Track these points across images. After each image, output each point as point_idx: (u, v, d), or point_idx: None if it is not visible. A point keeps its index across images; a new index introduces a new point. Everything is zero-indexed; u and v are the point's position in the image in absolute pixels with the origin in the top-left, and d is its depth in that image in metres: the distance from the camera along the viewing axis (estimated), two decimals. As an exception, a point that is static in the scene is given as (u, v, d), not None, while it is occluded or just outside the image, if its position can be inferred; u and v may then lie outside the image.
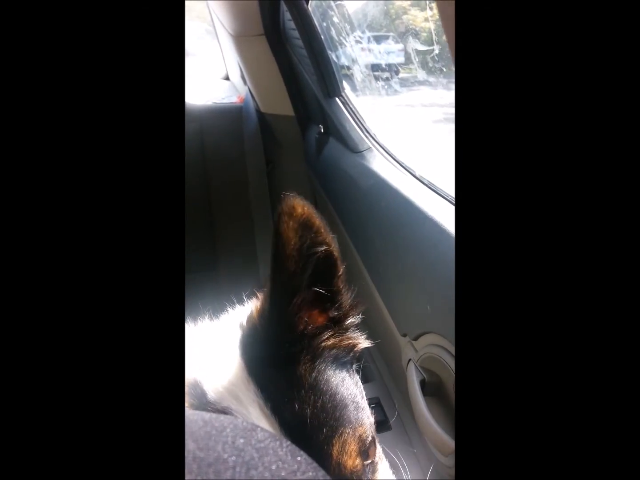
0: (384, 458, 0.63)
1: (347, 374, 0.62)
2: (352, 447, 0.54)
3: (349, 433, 0.54)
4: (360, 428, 0.56)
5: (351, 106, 1.48)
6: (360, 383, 0.66)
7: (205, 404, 0.54)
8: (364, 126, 1.43)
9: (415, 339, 1.01)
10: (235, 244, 1.76)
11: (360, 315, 0.75)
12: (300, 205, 0.54)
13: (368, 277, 1.23)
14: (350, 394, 0.59)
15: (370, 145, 1.38)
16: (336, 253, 0.62)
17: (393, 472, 0.85)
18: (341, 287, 0.65)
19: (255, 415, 0.53)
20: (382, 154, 1.34)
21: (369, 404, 1.28)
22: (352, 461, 0.53)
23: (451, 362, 0.86)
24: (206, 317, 0.72)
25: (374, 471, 0.58)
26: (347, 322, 0.67)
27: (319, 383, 0.56)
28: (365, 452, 0.56)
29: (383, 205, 1.19)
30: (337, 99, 1.51)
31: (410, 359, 1.01)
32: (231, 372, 0.57)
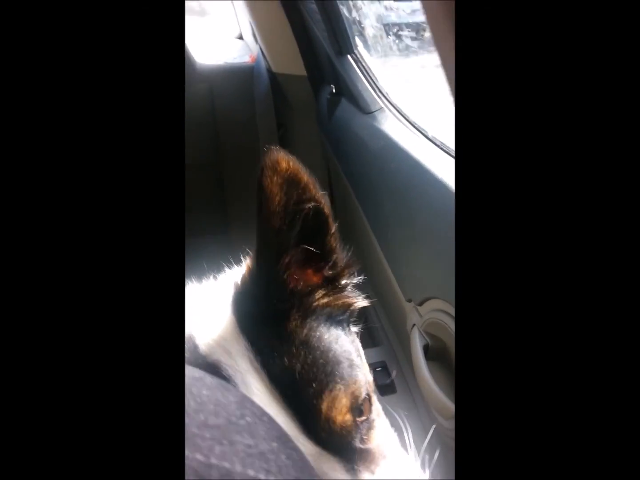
0: (382, 416, 0.63)
1: (342, 332, 0.61)
2: (343, 403, 0.53)
3: (340, 389, 0.54)
4: (353, 385, 0.55)
5: (364, 64, 1.42)
6: (357, 341, 0.65)
7: (197, 357, 0.55)
8: (376, 85, 1.37)
9: (420, 304, 1.00)
10: (245, 208, 1.76)
11: (357, 275, 0.73)
12: (285, 160, 0.52)
13: (376, 241, 1.21)
14: (344, 351, 0.58)
15: (382, 106, 1.33)
16: (327, 210, 0.60)
17: (395, 432, 0.86)
18: (334, 245, 0.63)
19: (244, 368, 0.53)
20: (394, 115, 1.29)
21: (375, 367, 1.29)
22: (342, 417, 0.53)
23: (454, 328, 0.85)
24: (211, 277, 0.73)
25: (369, 428, 0.58)
26: (342, 282, 0.65)
27: (310, 339, 0.56)
28: (358, 409, 0.55)
29: (393, 168, 1.16)
30: (349, 56, 1.44)
31: (414, 324, 1.00)
32: (223, 327, 0.57)
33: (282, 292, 0.58)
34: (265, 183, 0.52)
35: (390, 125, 1.26)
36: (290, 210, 0.55)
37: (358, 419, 0.55)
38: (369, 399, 0.58)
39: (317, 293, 0.62)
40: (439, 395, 0.85)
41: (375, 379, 1.22)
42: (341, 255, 0.65)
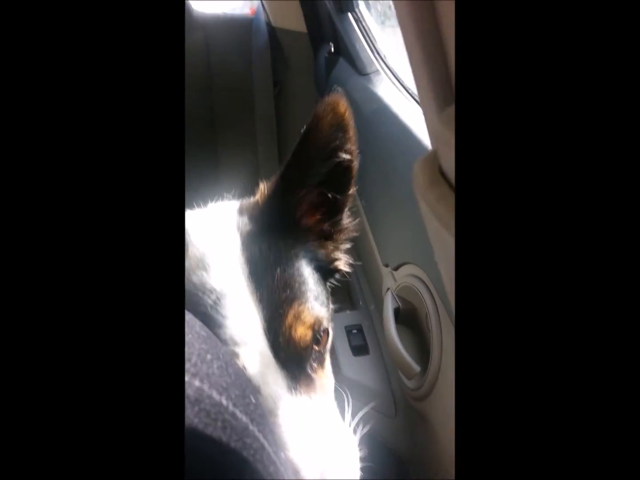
0: (329, 365, 0.67)
1: (319, 276, 0.67)
2: (308, 319, 0.59)
3: (308, 307, 0.60)
4: (319, 313, 0.62)
5: (364, 24, 1.38)
6: (329, 292, 0.71)
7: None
8: (374, 46, 1.34)
9: (396, 269, 1.01)
10: (237, 167, 1.74)
11: (350, 242, 0.77)
12: (345, 106, 0.58)
13: (360, 205, 1.21)
14: (317, 288, 0.64)
15: (379, 68, 1.30)
16: (354, 172, 0.65)
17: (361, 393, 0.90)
18: (346, 205, 0.69)
19: (233, 264, 0.59)
20: (389, 78, 1.26)
21: (351, 330, 1.32)
22: (304, 330, 0.58)
23: (425, 293, 0.87)
24: (214, 203, 0.80)
25: (320, 362, 0.64)
26: (337, 241, 0.70)
27: (294, 262, 0.63)
28: (317, 336, 0.61)
29: (383, 132, 1.14)
30: (349, 15, 1.40)
31: (389, 288, 1.02)
32: (225, 247, 0.62)
33: (286, 218, 0.64)
34: (320, 115, 0.57)
35: (385, 89, 1.24)
36: (328, 150, 0.59)
37: (315, 346, 0.61)
38: (327, 334, 0.64)
39: (313, 235, 0.67)
40: (404, 355, 0.88)
41: (349, 340, 1.25)
42: (346, 219, 0.70)
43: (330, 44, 1.52)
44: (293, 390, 0.57)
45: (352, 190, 0.71)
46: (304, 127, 0.59)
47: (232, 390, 0.35)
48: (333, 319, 0.69)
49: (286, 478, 0.38)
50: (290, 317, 0.58)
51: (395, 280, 1.01)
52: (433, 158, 0.31)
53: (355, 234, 0.78)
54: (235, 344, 0.55)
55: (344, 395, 0.72)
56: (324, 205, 0.69)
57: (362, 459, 0.63)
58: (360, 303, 1.32)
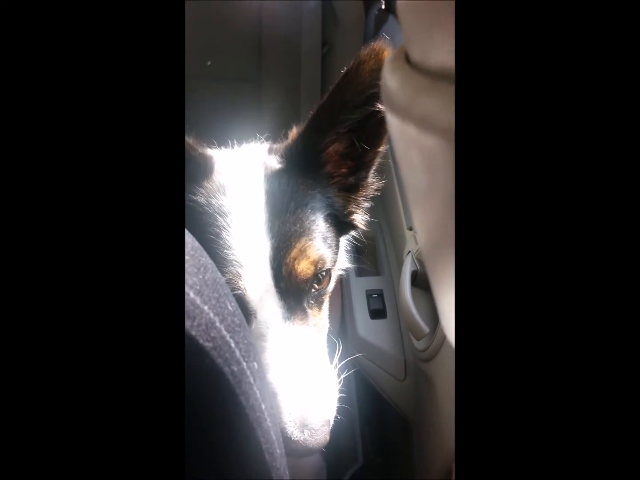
0: (327, 310, 0.67)
1: (332, 223, 0.68)
2: (312, 255, 0.61)
3: (313, 245, 0.61)
4: (324, 253, 0.63)
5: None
6: (338, 240, 0.72)
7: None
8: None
9: (418, 231, 0.98)
10: (279, 125, 1.75)
11: (370, 201, 0.76)
12: (389, 53, 0.55)
13: (391, 165, 1.18)
14: (325, 231, 0.65)
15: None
16: (387, 127, 0.64)
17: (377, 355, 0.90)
18: (374, 161, 0.68)
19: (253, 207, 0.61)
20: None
21: (372, 294, 1.31)
22: (306, 264, 0.60)
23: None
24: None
25: (317, 302, 0.65)
26: (357, 195, 0.70)
27: (309, 202, 0.64)
28: (319, 275, 0.63)
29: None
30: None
31: (410, 251, 1.00)
32: (248, 177, 0.65)
33: (311, 158, 0.64)
34: (362, 58, 0.56)
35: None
36: (364, 96, 0.59)
37: (315, 285, 0.63)
38: (329, 276, 0.65)
39: (334, 183, 0.68)
40: (414, 316, 0.86)
41: (368, 304, 1.24)
42: (371, 177, 0.70)
43: (382, 1, 1.46)
44: (286, 320, 0.59)
45: (383, 148, 0.69)
46: (344, 69, 0.58)
47: (228, 318, 0.36)
48: (336, 264, 0.70)
49: (263, 403, 0.39)
50: (295, 250, 0.59)
51: (417, 243, 0.99)
52: (400, 51, 0.29)
53: (377, 194, 0.76)
54: (240, 266, 0.57)
55: (337, 343, 0.73)
56: (351, 157, 0.69)
57: (340, 400, 0.63)
58: (385, 269, 1.31)
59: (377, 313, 1.18)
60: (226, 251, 0.57)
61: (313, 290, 0.63)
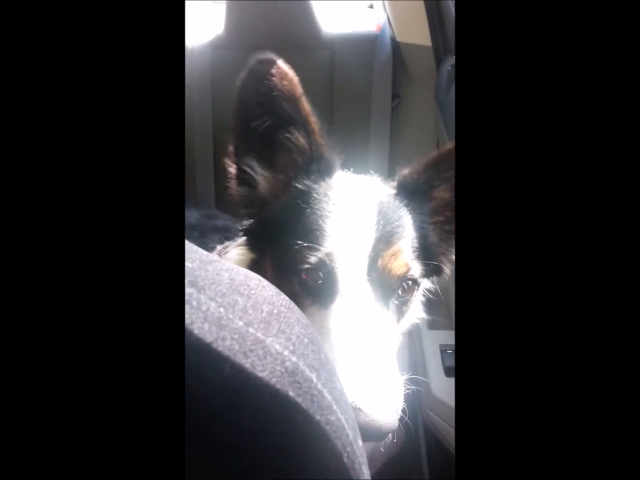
0: (404, 325, 0.73)
1: (421, 254, 0.73)
2: (403, 258, 0.66)
3: (405, 253, 0.67)
4: (412, 264, 0.68)
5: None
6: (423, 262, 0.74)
7: None
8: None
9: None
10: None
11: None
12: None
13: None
14: (415, 250, 0.70)
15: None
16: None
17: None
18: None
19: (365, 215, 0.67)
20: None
21: (446, 350, 1.26)
22: (400, 262, 0.66)
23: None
24: None
25: (399, 313, 0.68)
26: (449, 245, 0.78)
27: (409, 218, 0.72)
28: (405, 281, 0.67)
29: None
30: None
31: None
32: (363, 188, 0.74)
33: (422, 192, 0.74)
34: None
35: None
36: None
37: (400, 291, 0.67)
38: (413, 290, 0.69)
39: (433, 223, 0.76)
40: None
41: (443, 360, 1.19)
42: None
43: (454, 57, 1.49)
44: (368, 308, 0.62)
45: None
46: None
47: (322, 372, 0.37)
48: (420, 285, 0.74)
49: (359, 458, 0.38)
50: (394, 248, 0.66)
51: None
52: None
53: None
54: (342, 243, 0.63)
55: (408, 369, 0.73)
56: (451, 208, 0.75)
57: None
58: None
59: (452, 371, 1.13)
60: (331, 228, 0.64)
61: (397, 299, 0.67)
